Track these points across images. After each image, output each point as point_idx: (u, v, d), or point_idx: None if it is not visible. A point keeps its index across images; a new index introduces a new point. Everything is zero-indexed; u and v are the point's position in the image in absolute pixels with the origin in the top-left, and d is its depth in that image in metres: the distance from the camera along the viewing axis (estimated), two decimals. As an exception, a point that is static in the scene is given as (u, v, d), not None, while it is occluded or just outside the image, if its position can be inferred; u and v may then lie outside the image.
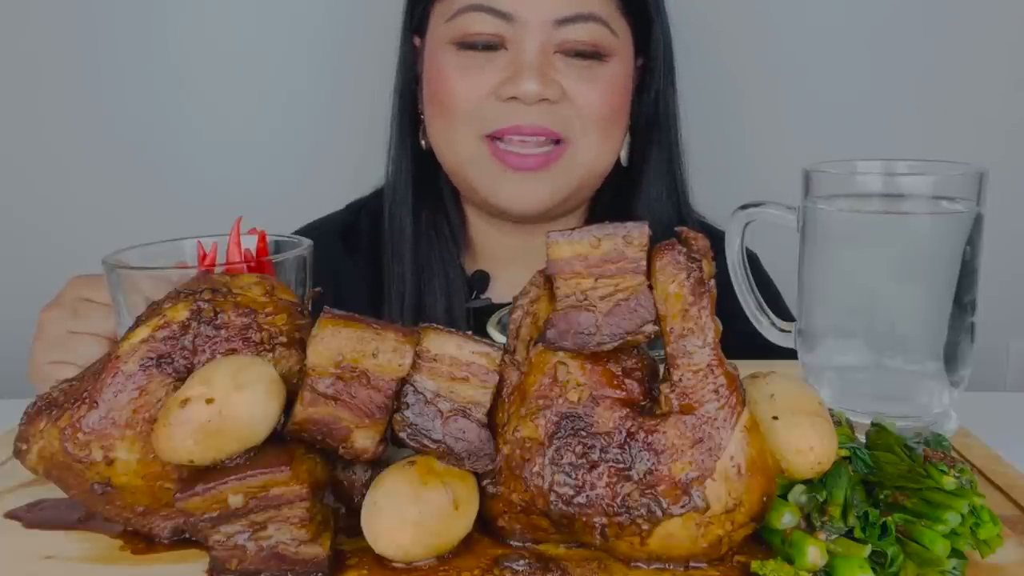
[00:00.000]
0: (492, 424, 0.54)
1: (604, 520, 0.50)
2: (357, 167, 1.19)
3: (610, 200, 1.10)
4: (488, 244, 1.12)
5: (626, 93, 1.04)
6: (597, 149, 1.01)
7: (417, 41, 1.08)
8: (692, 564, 0.51)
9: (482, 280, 1.11)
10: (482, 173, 1.01)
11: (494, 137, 0.99)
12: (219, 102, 1.46)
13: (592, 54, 0.99)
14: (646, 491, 0.49)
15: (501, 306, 1.07)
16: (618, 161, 1.07)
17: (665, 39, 1.08)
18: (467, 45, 0.99)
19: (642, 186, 1.08)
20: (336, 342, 0.52)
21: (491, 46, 0.98)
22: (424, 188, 1.09)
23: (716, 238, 1.11)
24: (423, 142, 1.08)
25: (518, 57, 0.97)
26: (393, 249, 1.09)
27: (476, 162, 1.01)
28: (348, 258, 1.12)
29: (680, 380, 0.50)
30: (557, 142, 0.99)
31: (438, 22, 1.02)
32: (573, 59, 0.98)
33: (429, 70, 1.04)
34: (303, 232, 1.17)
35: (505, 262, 1.11)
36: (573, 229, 0.52)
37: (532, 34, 0.97)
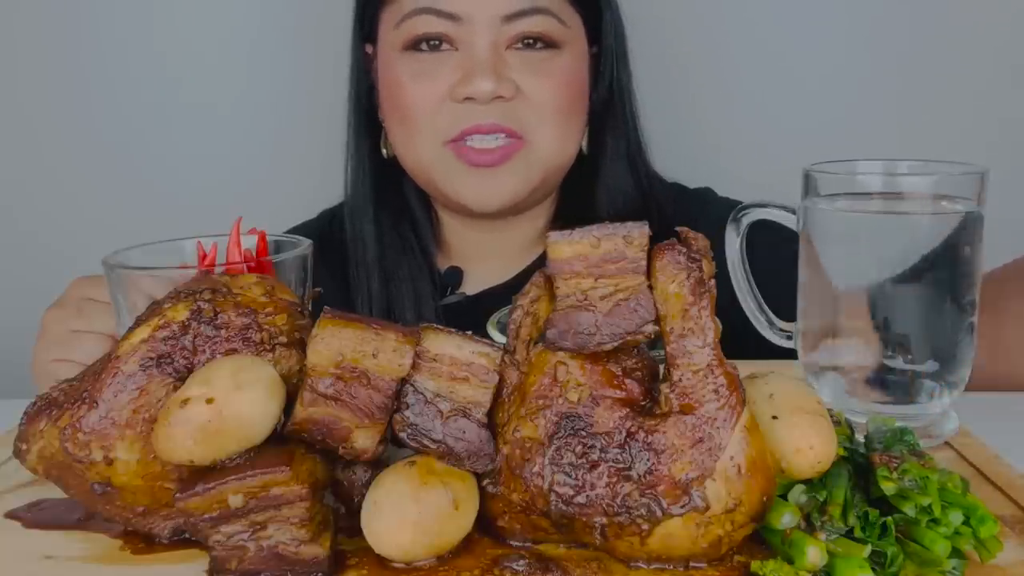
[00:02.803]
0: (492, 424, 0.54)
1: (604, 520, 0.50)
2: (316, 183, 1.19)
3: (575, 188, 1.10)
4: (461, 242, 1.12)
5: (581, 84, 1.04)
6: (555, 142, 1.01)
7: (369, 49, 1.07)
8: (692, 564, 0.51)
9: (455, 276, 1.11)
10: (446, 174, 1.01)
11: (455, 140, 0.99)
12: (218, 103, 1.46)
13: (543, 43, 0.98)
14: (646, 491, 0.49)
15: (476, 299, 1.08)
16: (581, 149, 1.08)
17: (616, 26, 1.08)
18: (417, 49, 0.98)
19: (602, 172, 1.08)
20: (336, 342, 0.52)
21: (440, 48, 0.98)
22: (386, 196, 1.09)
23: (679, 191, 1.08)
24: (384, 151, 1.08)
25: (469, 57, 0.97)
26: (357, 259, 1.09)
27: (440, 164, 1.00)
28: (323, 267, 1.12)
29: (680, 380, 0.50)
30: (515, 137, 0.99)
31: (387, 28, 1.01)
32: (525, 51, 0.98)
33: (383, 78, 1.03)
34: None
35: (479, 257, 1.11)
36: (573, 229, 0.52)
37: (481, 32, 0.96)
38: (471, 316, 0.74)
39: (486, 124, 0.97)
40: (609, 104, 1.08)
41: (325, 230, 1.15)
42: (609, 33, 1.07)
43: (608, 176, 1.08)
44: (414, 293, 1.07)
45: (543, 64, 0.99)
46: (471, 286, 1.11)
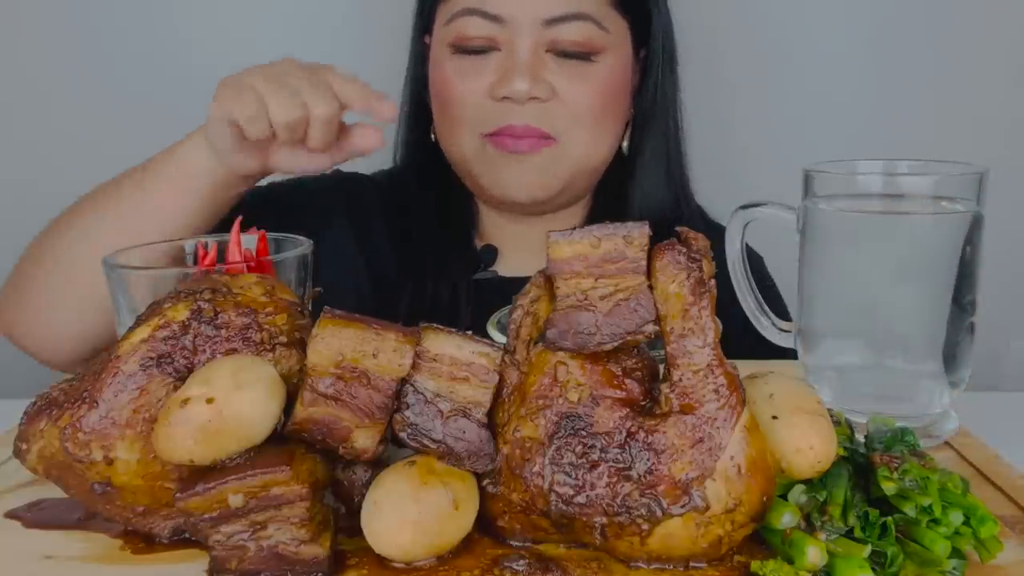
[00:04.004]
0: (492, 424, 0.54)
1: (604, 520, 0.50)
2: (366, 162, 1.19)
3: (612, 190, 1.12)
4: (495, 231, 1.14)
5: (620, 88, 1.05)
6: (588, 145, 1.03)
7: (428, 39, 1.11)
8: (692, 564, 0.51)
9: (490, 254, 1.13)
10: (482, 165, 1.04)
11: (491, 135, 1.02)
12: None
13: (580, 54, 1.00)
14: (646, 491, 0.49)
15: (507, 281, 1.10)
16: (621, 151, 1.10)
17: (665, 31, 1.09)
18: (462, 49, 1.02)
19: (637, 175, 1.10)
20: (336, 342, 0.52)
21: (484, 50, 1.01)
22: (433, 176, 1.12)
23: (714, 229, 1.12)
24: (432, 135, 1.11)
25: (510, 57, 1.00)
26: (401, 231, 1.11)
27: (477, 156, 1.04)
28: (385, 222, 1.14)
29: (680, 380, 0.50)
30: (547, 139, 1.01)
31: (440, 24, 1.05)
32: (563, 59, 1.00)
33: (432, 73, 1.07)
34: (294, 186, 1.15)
35: (513, 247, 1.13)
36: (573, 229, 0.52)
37: (523, 34, 0.99)
38: (500, 296, 0.75)
39: (519, 125, 1.00)
40: (651, 108, 1.10)
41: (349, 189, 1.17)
42: (657, 37, 1.08)
43: (644, 179, 1.10)
44: (449, 265, 1.09)
45: (580, 70, 1.01)
46: (504, 268, 1.13)
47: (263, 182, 1.11)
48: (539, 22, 0.99)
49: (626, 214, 1.08)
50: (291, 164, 0.88)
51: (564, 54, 1.00)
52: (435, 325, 0.55)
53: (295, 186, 1.10)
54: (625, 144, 1.10)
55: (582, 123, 1.02)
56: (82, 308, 0.86)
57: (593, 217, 1.14)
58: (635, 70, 1.09)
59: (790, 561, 0.50)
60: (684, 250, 0.51)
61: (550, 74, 1.00)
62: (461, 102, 1.02)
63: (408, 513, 0.50)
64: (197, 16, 1.43)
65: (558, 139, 1.01)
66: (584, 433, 0.51)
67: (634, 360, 0.53)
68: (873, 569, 0.49)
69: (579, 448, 0.51)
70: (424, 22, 1.10)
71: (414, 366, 0.53)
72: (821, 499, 0.52)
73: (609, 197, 1.12)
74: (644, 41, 1.08)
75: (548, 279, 0.54)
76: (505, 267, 1.13)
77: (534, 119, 1.00)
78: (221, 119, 0.82)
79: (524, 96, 0.98)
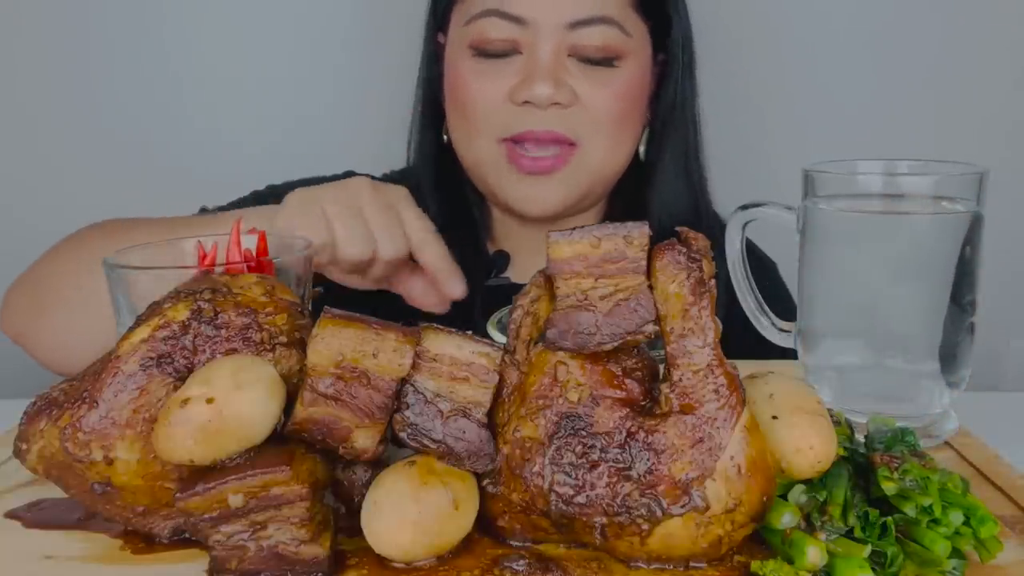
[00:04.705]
0: (492, 424, 0.54)
1: (604, 520, 0.50)
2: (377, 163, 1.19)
3: (629, 195, 1.11)
4: (508, 236, 1.13)
5: (640, 93, 1.05)
6: (608, 151, 1.02)
7: (441, 38, 1.10)
8: (692, 564, 0.51)
9: (503, 260, 1.12)
10: (498, 177, 1.03)
11: (510, 140, 1.00)
12: (226, 101, 1.46)
13: (603, 60, 0.99)
14: (646, 491, 0.49)
15: (520, 287, 1.08)
16: (638, 156, 1.08)
17: (684, 35, 1.08)
18: (482, 52, 1.00)
19: (655, 181, 1.09)
20: (336, 342, 0.52)
21: (505, 53, 0.99)
22: (446, 178, 1.11)
23: None
24: (444, 137, 1.10)
25: (531, 61, 0.98)
26: None
27: (493, 166, 1.02)
28: None
29: (680, 380, 0.50)
30: (569, 144, 1.00)
31: (457, 24, 1.04)
32: (585, 64, 0.99)
33: (449, 73, 1.06)
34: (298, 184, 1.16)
35: (526, 252, 1.13)
36: (573, 229, 0.52)
37: (545, 37, 0.98)
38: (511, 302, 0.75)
39: (540, 131, 0.99)
40: (669, 113, 1.09)
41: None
42: (676, 42, 1.07)
43: (662, 185, 1.08)
44: (462, 269, 1.08)
45: (602, 75, 1.00)
46: (517, 273, 1.12)
47: (266, 184, 1.11)
48: (563, 25, 0.97)
49: (643, 219, 1.06)
50: (342, 280, 0.88)
51: (586, 59, 0.99)
52: (435, 325, 0.55)
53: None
54: (642, 149, 1.08)
55: (603, 129, 1.00)
56: (108, 339, 0.85)
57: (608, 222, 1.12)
58: (653, 74, 1.07)
59: (790, 561, 0.50)
60: (684, 250, 0.51)
61: (571, 79, 0.98)
62: (479, 105, 1.01)
63: (408, 513, 0.50)
64: (204, 11, 1.43)
65: (578, 144, 1.00)
66: (584, 433, 0.51)
67: (634, 360, 0.53)
68: (873, 569, 0.49)
69: (579, 448, 0.51)
70: (438, 21, 1.09)
71: (414, 366, 0.53)
72: (821, 499, 0.52)
73: (626, 203, 1.11)
74: (662, 46, 1.07)
75: (548, 279, 0.54)
76: (518, 273, 1.12)
77: (555, 124, 0.98)
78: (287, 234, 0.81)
79: (546, 101, 0.97)
